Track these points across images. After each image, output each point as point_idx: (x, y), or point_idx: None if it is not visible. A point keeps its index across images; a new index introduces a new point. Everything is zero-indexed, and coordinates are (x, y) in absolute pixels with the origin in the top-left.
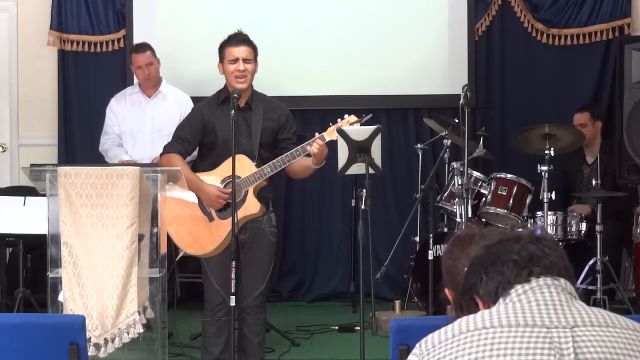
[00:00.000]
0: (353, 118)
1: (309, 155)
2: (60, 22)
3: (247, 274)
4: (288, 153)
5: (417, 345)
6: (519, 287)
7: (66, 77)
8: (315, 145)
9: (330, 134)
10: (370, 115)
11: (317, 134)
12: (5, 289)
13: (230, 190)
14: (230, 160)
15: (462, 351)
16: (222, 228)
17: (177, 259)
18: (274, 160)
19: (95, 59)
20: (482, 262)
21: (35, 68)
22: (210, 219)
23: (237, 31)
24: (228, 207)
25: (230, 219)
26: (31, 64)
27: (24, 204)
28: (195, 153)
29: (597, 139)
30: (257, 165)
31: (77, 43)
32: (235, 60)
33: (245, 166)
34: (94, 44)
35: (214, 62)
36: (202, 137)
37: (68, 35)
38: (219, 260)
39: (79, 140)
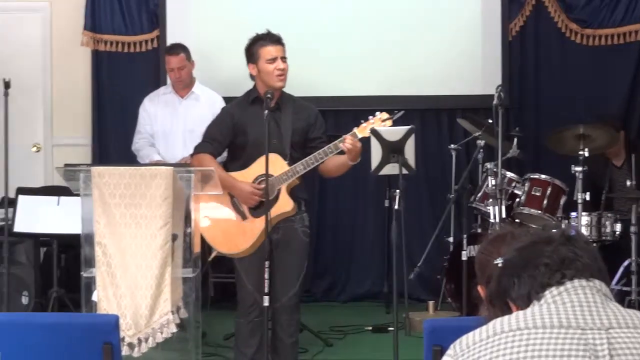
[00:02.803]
0: (385, 115)
1: (341, 153)
2: (93, 22)
3: (281, 275)
4: (320, 150)
5: (452, 346)
6: (553, 289)
7: (99, 78)
8: (347, 141)
9: (362, 130)
10: (402, 112)
11: (354, 129)
12: (39, 289)
13: (263, 186)
14: (261, 159)
15: (497, 352)
16: (256, 227)
17: (210, 259)
18: (306, 158)
19: (128, 60)
20: (514, 265)
21: (69, 68)
22: (244, 217)
23: (266, 31)
24: (261, 205)
25: (264, 217)
26: (64, 65)
27: (58, 204)
28: (225, 154)
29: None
30: (289, 165)
31: (111, 43)
32: (274, 60)
33: (277, 165)
34: (127, 45)
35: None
36: (232, 138)
37: (101, 36)
38: (252, 261)
39: (113, 140)
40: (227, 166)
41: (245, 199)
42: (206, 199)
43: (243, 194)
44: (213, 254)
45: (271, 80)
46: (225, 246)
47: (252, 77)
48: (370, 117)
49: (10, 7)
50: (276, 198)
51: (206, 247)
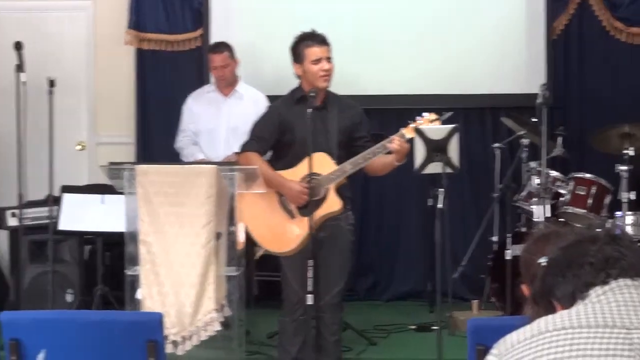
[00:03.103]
0: (433, 116)
1: (388, 152)
2: (137, 21)
3: (326, 272)
4: (369, 150)
5: (495, 345)
6: (598, 288)
7: (143, 76)
8: (395, 142)
9: (410, 131)
10: (451, 113)
11: (401, 130)
12: (84, 287)
13: (311, 185)
14: (311, 158)
15: (541, 352)
16: (304, 225)
17: (256, 257)
18: (355, 158)
19: (172, 58)
20: (558, 264)
21: (113, 67)
22: (292, 216)
23: (311, 31)
24: (310, 204)
25: (312, 216)
26: (108, 63)
27: (103, 202)
28: (269, 153)
29: None
30: (337, 164)
31: (155, 42)
32: (319, 60)
33: (325, 164)
34: (171, 43)
35: (290, 61)
36: (278, 136)
37: (145, 34)
38: (298, 259)
39: (156, 138)
40: (272, 164)
41: (294, 197)
42: (254, 198)
43: (292, 193)
44: (260, 253)
45: (316, 81)
46: (274, 245)
47: (297, 76)
48: (418, 117)
49: (54, 6)
50: (325, 197)
51: (251, 245)
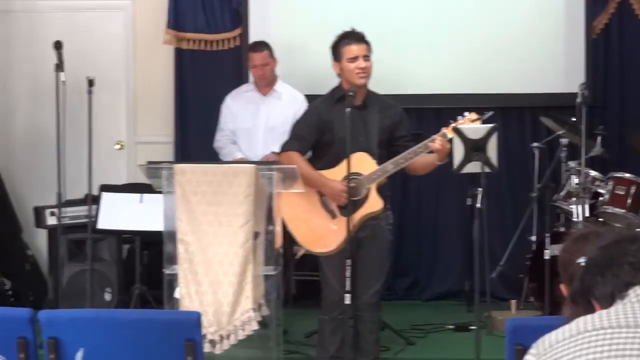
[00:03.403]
0: (474, 116)
1: (430, 151)
2: (176, 20)
3: (365, 272)
4: (410, 150)
5: (534, 345)
6: (637, 288)
7: (182, 76)
8: (437, 142)
9: (452, 131)
10: (492, 113)
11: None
12: (122, 285)
13: (352, 185)
14: (352, 157)
15: (580, 352)
16: (344, 225)
17: (297, 257)
18: (396, 158)
19: (210, 58)
20: (598, 264)
21: (151, 66)
22: (333, 216)
23: (351, 29)
24: (350, 204)
25: (354, 216)
26: (147, 63)
27: (141, 201)
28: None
29: None
30: (378, 164)
31: (193, 41)
32: (356, 58)
33: (366, 164)
34: (209, 42)
35: (329, 60)
36: (318, 136)
37: (184, 34)
38: (337, 259)
39: (195, 137)
40: (312, 165)
41: (336, 197)
42: (296, 198)
43: (333, 193)
44: (301, 252)
45: (352, 78)
46: (315, 245)
47: (337, 74)
48: (459, 117)
49: (93, 6)
50: (366, 197)
51: (290, 244)
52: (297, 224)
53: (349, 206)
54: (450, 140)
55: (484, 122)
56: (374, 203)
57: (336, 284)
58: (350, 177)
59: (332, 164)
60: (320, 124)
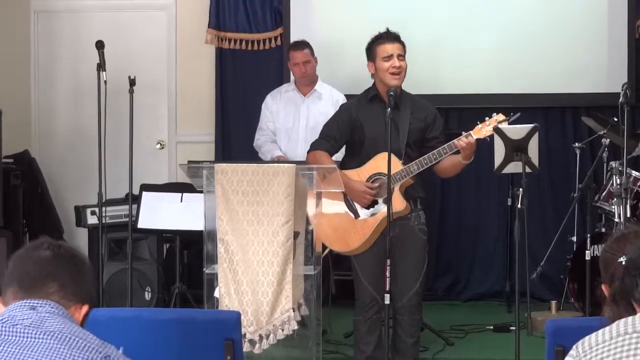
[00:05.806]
0: (501, 117)
1: (456, 152)
2: (218, 20)
3: (399, 273)
4: (435, 151)
5: (574, 346)
6: None
7: (223, 75)
8: (462, 140)
9: (478, 132)
10: (519, 114)
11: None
12: (162, 285)
13: (376, 185)
14: (376, 158)
15: (620, 354)
16: (368, 225)
17: (322, 256)
18: (421, 158)
19: (252, 57)
20: (638, 265)
21: (193, 66)
22: (356, 215)
23: (386, 30)
24: (375, 203)
25: (377, 216)
26: (189, 62)
27: (181, 201)
28: (343, 150)
29: None
30: (404, 164)
31: (235, 41)
32: (390, 57)
33: (392, 164)
34: (251, 42)
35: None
36: (349, 136)
37: (226, 34)
38: (368, 258)
39: (236, 137)
40: (345, 163)
41: (358, 198)
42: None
43: (356, 193)
44: (325, 252)
45: (386, 78)
46: (337, 244)
47: (372, 74)
48: (487, 118)
49: (136, 5)
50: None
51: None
52: (320, 222)
53: (388, 205)
54: (490, 140)
55: (511, 123)
56: (397, 203)
57: (367, 284)
58: (375, 177)
59: (364, 163)
60: (350, 123)
